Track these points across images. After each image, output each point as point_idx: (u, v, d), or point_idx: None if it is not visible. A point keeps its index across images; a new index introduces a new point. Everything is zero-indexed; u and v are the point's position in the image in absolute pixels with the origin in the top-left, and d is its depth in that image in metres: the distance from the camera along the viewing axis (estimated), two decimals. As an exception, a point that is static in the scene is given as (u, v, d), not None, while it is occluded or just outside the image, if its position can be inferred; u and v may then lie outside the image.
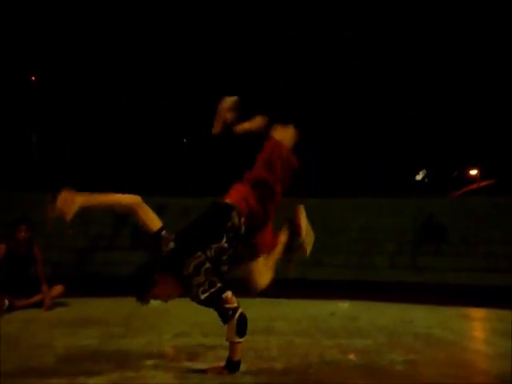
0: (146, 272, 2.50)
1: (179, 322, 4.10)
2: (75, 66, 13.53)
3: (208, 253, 2.46)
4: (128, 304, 5.40)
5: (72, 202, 2.31)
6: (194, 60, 14.70)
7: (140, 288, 2.48)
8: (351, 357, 2.87)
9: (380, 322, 4.07)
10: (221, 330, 3.65)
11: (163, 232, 2.48)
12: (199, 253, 2.43)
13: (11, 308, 4.26)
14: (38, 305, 4.42)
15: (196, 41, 14.75)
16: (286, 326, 3.93)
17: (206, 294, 2.41)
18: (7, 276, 4.45)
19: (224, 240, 2.52)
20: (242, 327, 2.45)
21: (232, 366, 2.46)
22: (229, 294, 2.45)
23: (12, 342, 3.26)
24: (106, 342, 3.29)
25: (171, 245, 2.45)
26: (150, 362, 2.74)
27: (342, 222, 10.41)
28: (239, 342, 2.46)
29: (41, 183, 11.08)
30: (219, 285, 2.44)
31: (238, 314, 2.43)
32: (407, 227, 10.01)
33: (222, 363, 2.49)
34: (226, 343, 3.14)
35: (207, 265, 2.43)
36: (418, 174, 20.21)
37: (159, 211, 9.78)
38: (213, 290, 2.41)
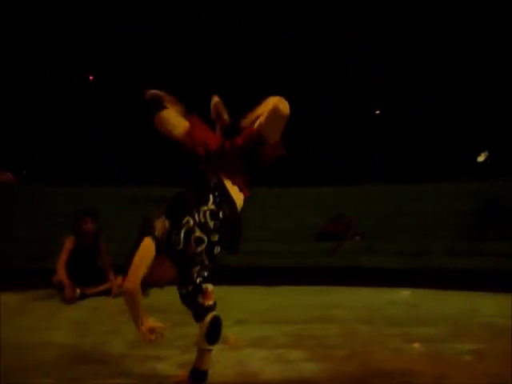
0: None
1: (237, 309, 4.16)
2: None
3: (196, 216, 2.21)
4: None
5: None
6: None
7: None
8: (416, 345, 2.81)
9: (442, 311, 3.94)
10: (280, 318, 3.72)
11: (156, 234, 2.22)
12: (187, 217, 2.20)
13: (82, 296, 4.51)
14: (106, 293, 4.66)
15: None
16: (345, 313, 3.90)
17: (194, 275, 2.18)
18: (77, 267, 4.68)
19: (211, 201, 2.27)
20: (213, 333, 2.20)
21: (198, 375, 2.20)
22: (210, 286, 2.22)
23: (83, 328, 3.46)
24: (169, 328, 3.39)
25: (167, 224, 2.23)
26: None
27: (396, 208, 10.16)
28: (209, 350, 2.20)
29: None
30: (207, 263, 2.22)
31: (210, 317, 2.20)
32: (468, 211, 9.60)
33: (187, 372, 2.25)
34: (287, 331, 3.20)
35: (197, 233, 2.18)
36: (479, 155, 19.28)
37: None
38: (201, 267, 2.19)
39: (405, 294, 5.05)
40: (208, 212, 2.23)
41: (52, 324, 3.70)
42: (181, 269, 2.23)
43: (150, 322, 2.26)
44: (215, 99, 2.74)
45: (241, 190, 2.47)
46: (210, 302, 2.21)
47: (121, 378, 2.27)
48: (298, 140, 13.74)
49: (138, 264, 2.16)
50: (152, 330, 2.23)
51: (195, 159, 2.52)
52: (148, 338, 2.22)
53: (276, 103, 2.35)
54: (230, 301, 4.73)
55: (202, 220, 2.21)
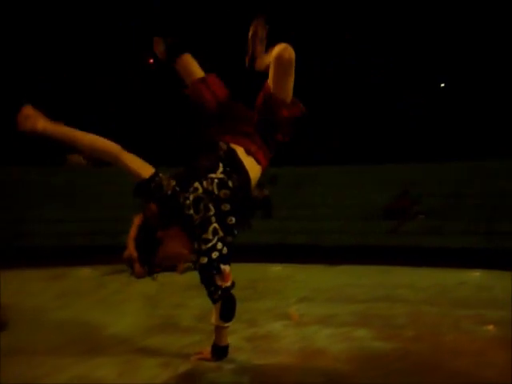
0: (146, 232, 2.18)
1: (302, 287, 4.18)
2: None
3: (205, 183, 2.13)
4: (251, 269, 5.66)
5: (35, 118, 2.10)
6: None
7: (145, 254, 2.17)
8: (490, 327, 2.69)
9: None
10: (345, 296, 3.70)
11: (160, 175, 2.12)
12: (196, 183, 2.12)
13: (151, 272, 4.72)
14: (173, 269, 4.85)
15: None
16: (411, 294, 3.80)
17: (208, 245, 2.08)
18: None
19: (220, 170, 2.18)
20: (228, 311, 2.17)
21: (219, 351, 2.21)
22: (227, 268, 2.13)
23: (153, 302, 3.64)
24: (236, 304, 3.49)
25: (173, 182, 2.12)
26: (278, 324, 2.86)
27: (464, 187, 9.70)
28: (225, 328, 2.20)
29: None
30: (222, 234, 2.11)
31: (226, 296, 2.14)
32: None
33: (209, 348, 2.24)
34: (352, 310, 3.18)
35: (206, 200, 2.10)
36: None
37: (270, 182, 9.88)
38: (216, 238, 2.09)
39: (475, 274, 4.84)
40: (216, 180, 2.15)
41: (125, 297, 3.91)
42: (192, 236, 2.12)
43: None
44: (259, 19, 2.48)
45: (258, 161, 2.33)
46: (228, 284, 2.15)
47: (192, 349, 2.36)
48: (363, 116, 13.40)
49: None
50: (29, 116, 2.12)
51: (206, 120, 2.42)
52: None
53: (278, 51, 2.21)
54: (293, 278, 4.77)
55: (210, 188, 2.13)
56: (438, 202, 9.58)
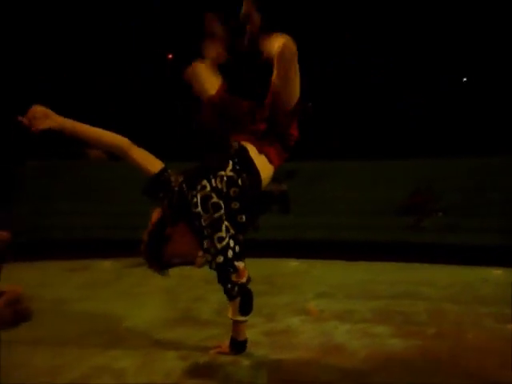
0: (157, 228, 2.20)
1: (320, 282, 4.16)
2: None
3: (213, 181, 2.11)
4: (270, 264, 5.66)
5: (46, 117, 2.08)
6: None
7: (154, 250, 2.18)
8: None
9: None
10: (364, 292, 3.67)
11: (168, 171, 2.15)
12: (204, 181, 2.10)
13: (169, 265, 4.76)
14: (192, 263, 4.87)
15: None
16: (432, 291, 3.75)
17: (223, 243, 2.07)
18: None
19: (230, 168, 2.16)
20: (246, 305, 2.17)
21: (237, 346, 2.22)
22: (241, 264, 2.13)
23: (173, 295, 3.67)
24: (255, 298, 3.49)
25: (180, 178, 2.14)
26: (296, 319, 2.85)
27: (485, 183, 9.51)
28: (242, 322, 2.20)
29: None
30: (234, 232, 2.09)
31: (243, 291, 2.15)
32: None
33: (227, 342, 2.24)
34: (372, 306, 3.15)
35: (214, 198, 2.08)
36: None
37: (288, 177, 9.83)
38: (229, 236, 2.08)
39: (497, 272, 4.75)
40: (225, 178, 2.13)
41: (144, 289, 3.95)
42: (200, 235, 2.11)
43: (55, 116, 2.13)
44: None
45: (270, 160, 2.30)
46: (244, 280, 2.15)
47: (211, 342, 2.37)
48: (382, 110, 13.24)
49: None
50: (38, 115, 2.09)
51: (220, 124, 2.40)
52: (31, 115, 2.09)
53: (278, 50, 2.18)
54: (311, 274, 4.76)
55: (219, 186, 2.12)
56: (458, 198, 9.43)
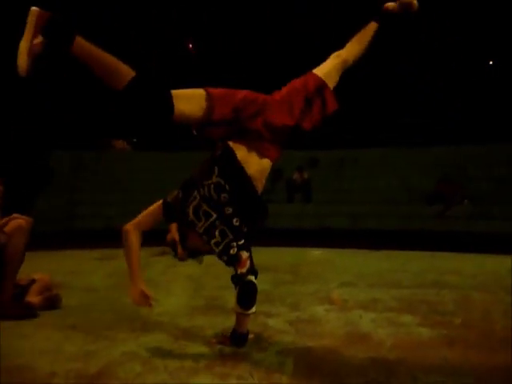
0: (181, 227, 2.31)
1: (344, 272, 4.16)
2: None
3: (201, 191, 2.14)
4: (293, 254, 5.66)
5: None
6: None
7: (184, 244, 2.30)
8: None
9: None
10: (389, 281, 3.66)
11: (168, 201, 2.27)
12: (195, 192, 2.17)
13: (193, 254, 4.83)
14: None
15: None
16: (459, 280, 3.72)
17: (220, 247, 2.12)
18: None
19: (215, 174, 2.14)
20: (245, 297, 2.12)
21: (236, 337, 2.20)
22: (244, 253, 2.13)
23: (198, 284, 3.73)
24: (278, 287, 3.52)
25: (180, 194, 2.23)
26: (321, 308, 2.87)
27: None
28: (244, 314, 2.15)
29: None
30: (231, 236, 2.12)
31: (243, 282, 2.11)
32: None
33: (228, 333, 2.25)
34: (396, 295, 3.14)
35: (204, 207, 2.13)
36: None
37: (310, 166, 9.80)
38: (227, 240, 2.12)
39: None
40: (212, 185, 2.13)
41: (170, 278, 4.02)
42: (204, 240, 2.18)
43: (143, 286, 2.29)
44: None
45: (262, 155, 2.21)
46: (243, 270, 2.11)
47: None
48: (406, 98, 13.01)
49: (143, 214, 2.32)
50: (144, 296, 2.26)
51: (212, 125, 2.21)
52: (137, 302, 2.27)
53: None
54: (334, 263, 4.76)
55: (207, 194, 2.13)
56: (486, 186, 9.24)
